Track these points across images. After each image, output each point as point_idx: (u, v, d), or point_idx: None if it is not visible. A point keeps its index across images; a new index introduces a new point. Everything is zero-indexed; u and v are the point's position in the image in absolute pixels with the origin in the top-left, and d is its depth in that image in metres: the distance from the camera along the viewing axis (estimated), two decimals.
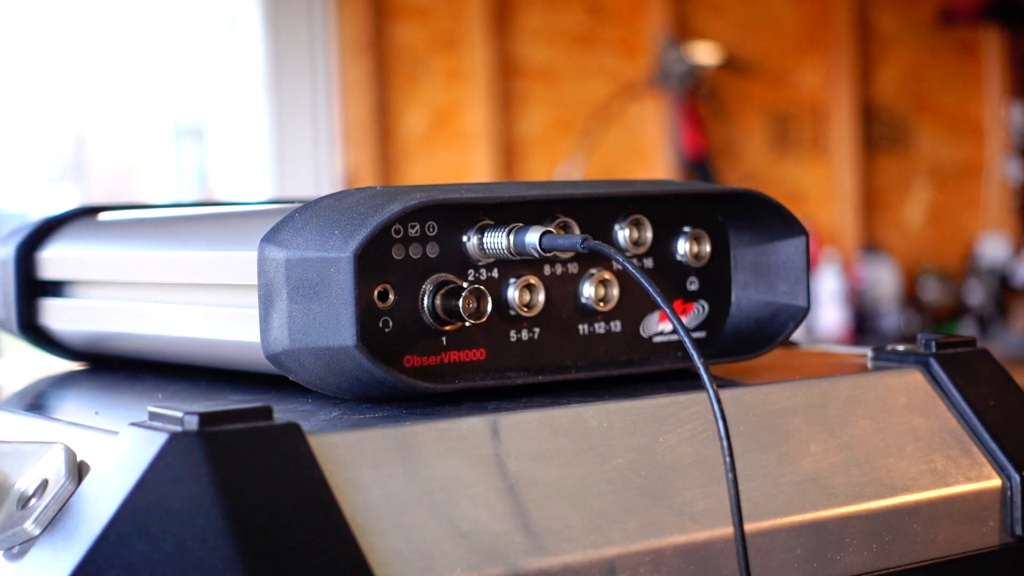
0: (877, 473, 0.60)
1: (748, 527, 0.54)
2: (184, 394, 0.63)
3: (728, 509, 0.52)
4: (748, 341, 0.65)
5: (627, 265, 0.53)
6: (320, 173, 2.97)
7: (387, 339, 0.55)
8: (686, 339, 0.51)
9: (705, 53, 3.23)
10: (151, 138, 3.24)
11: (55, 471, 0.50)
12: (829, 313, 3.23)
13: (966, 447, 0.62)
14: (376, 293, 0.54)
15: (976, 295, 3.47)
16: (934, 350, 0.65)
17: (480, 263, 0.56)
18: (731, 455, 0.50)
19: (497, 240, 0.55)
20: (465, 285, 0.55)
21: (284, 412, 0.53)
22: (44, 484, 0.50)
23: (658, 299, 0.52)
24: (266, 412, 0.47)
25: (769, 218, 0.65)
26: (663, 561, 0.52)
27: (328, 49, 2.96)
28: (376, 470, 0.49)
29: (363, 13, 2.94)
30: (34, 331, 0.75)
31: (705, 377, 0.51)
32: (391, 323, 0.55)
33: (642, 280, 0.53)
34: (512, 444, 0.52)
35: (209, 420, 0.46)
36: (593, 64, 3.19)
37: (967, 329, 3.35)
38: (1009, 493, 0.62)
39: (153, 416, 0.48)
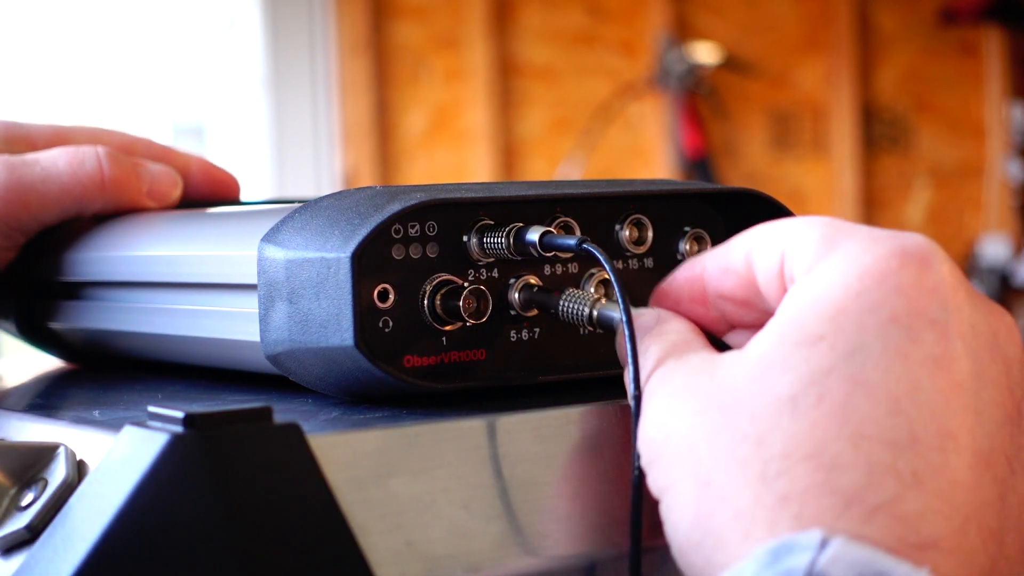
0: None
1: None
2: (184, 394, 0.63)
3: None
4: None
5: (609, 269, 0.54)
6: (320, 173, 2.97)
7: (387, 339, 0.54)
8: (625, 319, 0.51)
9: (705, 53, 3.23)
10: (151, 138, 3.23)
11: (55, 471, 0.50)
12: None
13: None
14: (376, 293, 0.54)
15: None
16: None
17: (480, 263, 0.56)
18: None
19: (497, 240, 0.55)
20: (465, 285, 0.55)
21: (284, 412, 0.53)
22: (44, 484, 0.50)
23: (622, 311, 0.52)
24: (266, 413, 0.47)
25: (770, 218, 0.65)
26: (665, 561, 0.52)
27: (328, 49, 2.96)
28: (376, 470, 0.49)
29: (363, 13, 2.94)
30: (34, 331, 0.75)
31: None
32: (391, 323, 0.55)
33: (616, 287, 0.53)
34: (512, 444, 0.52)
35: (209, 421, 0.46)
36: (593, 64, 3.19)
37: None
38: None
39: (153, 416, 0.48)
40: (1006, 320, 0.43)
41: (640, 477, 0.46)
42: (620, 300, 0.49)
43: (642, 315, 0.51)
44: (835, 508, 0.39)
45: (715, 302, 0.50)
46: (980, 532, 0.39)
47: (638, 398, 0.46)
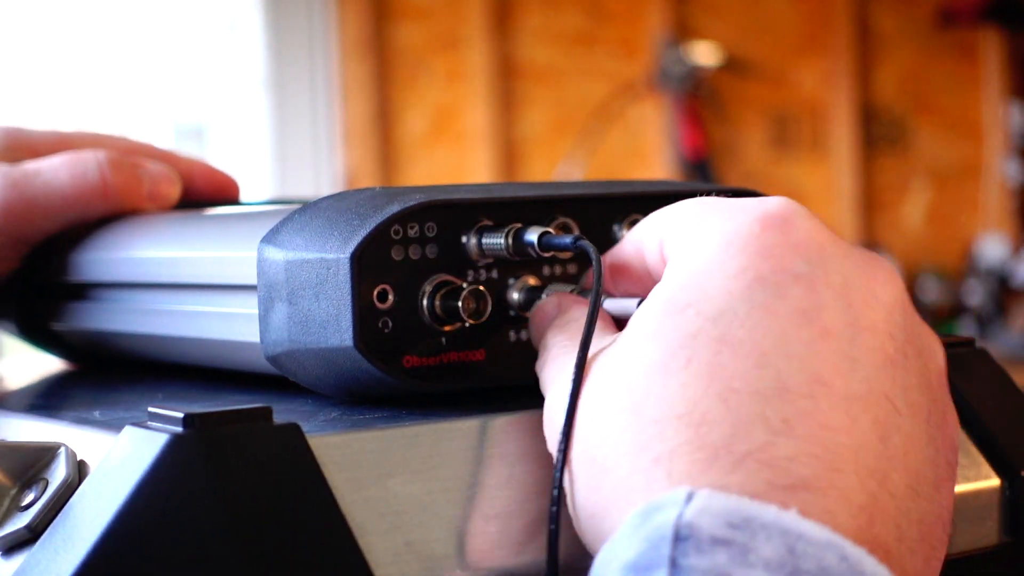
0: None
1: None
2: (184, 394, 0.63)
3: None
4: None
5: (595, 265, 0.54)
6: (320, 173, 2.98)
7: (387, 340, 0.55)
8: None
9: (705, 54, 3.24)
10: (151, 138, 3.24)
11: (55, 471, 0.50)
12: None
13: (964, 447, 0.62)
14: (375, 294, 0.54)
15: (975, 295, 3.48)
16: None
17: (480, 264, 0.56)
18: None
19: (496, 240, 0.55)
20: (465, 286, 0.55)
21: (284, 413, 0.53)
22: (44, 484, 0.50)
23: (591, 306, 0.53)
24: (266, 413, 0.47)
25: None
26: None
27: (328, 49, 2.96)
28: (376, 470, 0.49)
29: (363, 13, 2.94)
30: (35, 332, 0.75)
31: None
32: (391, 324, 0.55)
33: (595, 280, 0.53)
34: (512, 444, 0.52)
35: (209, 421, 0.46)
36: (593, 65, 3.19)
37: (966, 329, 3.36)
38: (1008, 493, 0.62)
39: (153, 416, 0.48)
40: (883, 267, 0.44)
41: (562, 460, 0.47)
42: (593, 294, 0.50)
43: (545, 304, 0.53)
44: (703, 462, 0.39)
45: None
46: (858, 472, 0.40)
47: (576, 388, 0.46)
